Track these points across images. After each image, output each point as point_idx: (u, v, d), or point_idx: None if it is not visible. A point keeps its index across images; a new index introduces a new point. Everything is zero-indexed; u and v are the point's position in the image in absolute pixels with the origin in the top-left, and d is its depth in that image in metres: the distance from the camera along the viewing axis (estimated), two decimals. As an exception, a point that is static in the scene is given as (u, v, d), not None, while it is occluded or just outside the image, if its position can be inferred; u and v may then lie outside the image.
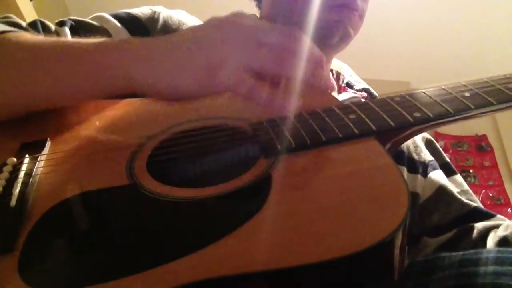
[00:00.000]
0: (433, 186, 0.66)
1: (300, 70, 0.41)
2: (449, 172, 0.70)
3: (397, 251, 0.34)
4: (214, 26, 0.44)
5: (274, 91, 0.41)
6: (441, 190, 0.65)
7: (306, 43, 0.43)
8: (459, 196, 0.64)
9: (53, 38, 0.50)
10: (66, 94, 0.47)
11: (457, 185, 0.68)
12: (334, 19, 0.65)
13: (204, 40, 0.42)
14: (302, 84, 0.42)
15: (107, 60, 0.44)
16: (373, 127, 0.43)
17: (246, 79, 0.41)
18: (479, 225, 0.59)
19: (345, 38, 0.67)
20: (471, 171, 2.40)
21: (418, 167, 0.68)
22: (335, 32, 0.66)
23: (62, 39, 0.51)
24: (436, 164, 0.70)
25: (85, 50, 0.45)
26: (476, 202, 0.65)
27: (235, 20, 0.43)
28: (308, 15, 0.65)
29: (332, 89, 0.46)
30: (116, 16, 0.65)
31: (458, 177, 0.70)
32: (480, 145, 2.49)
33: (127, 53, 0.43)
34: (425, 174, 0.68)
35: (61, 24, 0.61)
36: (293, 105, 0.42)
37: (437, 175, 0.67)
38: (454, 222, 0.62)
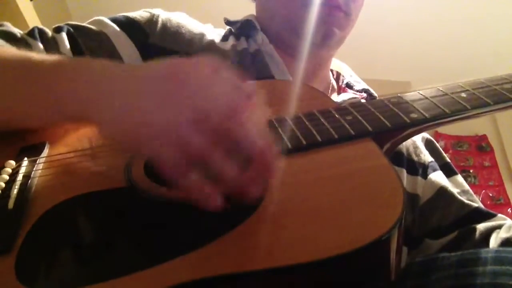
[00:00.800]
0: (434, 187, 0.66)
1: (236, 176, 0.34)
2: (449, 172, 0.70)
3: (393, 250, 0.34)
4: (167, 74, 0.37)
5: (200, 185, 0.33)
6: (442, 192, 0.65)
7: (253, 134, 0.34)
8: (459, 197, 0.64)
9: (21, 56, 0.47)
10: (19, 117, 0.46)
11: (457, 185, 0.68)
12: (317, 17, 0.64)
13: (153, 94, 0.35)
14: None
15: (60, 93, 0.41)
16: (369, 128, 0.43)
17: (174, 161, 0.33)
18: (480, 227, 0.59)
19: (329, 37, 0.66)
20: (471, 171, 2.40)
21: (418, 169, 0.68)
22: (315, 30, 0.65)
23: (31, 56, 0.47)
24: (436, 165, 0.69)
25: (44, 72, 0.43)
26: (476, 202, 0.65)
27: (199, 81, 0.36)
28: (289, 15, 0.66)
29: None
30: (114, 20, 0.65)
31: (459, 177, 0.69)
32: (480, 145, 2.49)
33: (77, 88, 0.40)
34: (425, 175, 0.67)
35: (58, 30, 0.61)
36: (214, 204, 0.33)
37: (437, 176, 0.67)
38: (455, 223, 0.62)
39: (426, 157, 0.70)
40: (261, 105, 0.37)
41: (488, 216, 0.61)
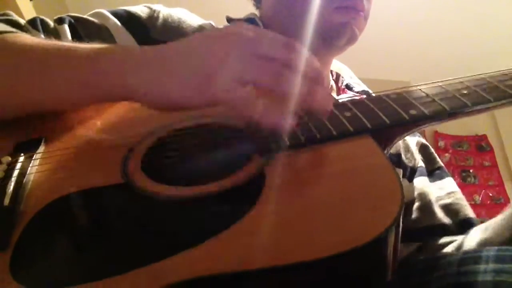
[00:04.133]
0: (414, 191, 0.66)
1: (297, 87, 0.39)
2: (441, 174, 0.70)
3: (390, 250, 0.34)
4: (212, 36, 0.42)
5: (268, 107, 0.39)
6: (420, 197, 0.66)
7: (306, 58, 0.41)
8: (435, 208, 0.65)
9: (51, 41, 0.49)
10: (61, 100, 0.47)
11: (445, 187, 0.68)
12: (341, 20, 0.64)
13: (200, 50, 0.41)
14: (298, 102, 0.39)
15: (104, 67, 0.43)
16: (368, 125, 0.43)
17: (241, 91, 0.39)
18: (441, 241, 0.60)
19: (352, 39, 0.67)
20: (471, 171, 2.40)
21: (405, 171, 0.68)
22: (342, 34, 0.65)
23: (60, 42, 0.49)
24: (424, 170, 0.70)
25: (82, 56, 0.44)
26: (461, 206, 0.65)
27: (234, 31, 0.42)
28: (313, 16, 0.64)
29: (327, 113, 0.42)
30: (115, 14, 0.64)
31: (447, 180, 0.70)
32: (480, 145, 2.49)
33: (125, 61, 0.43)
34: (411, 178, 0.68)
35: (60, 21, 0.61)
36: (287, 123, 0.39)
37: (421, 182, 0.68)
38: (422, 232, 0.63)
39: (417, 161, 0.70)
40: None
41: (452, 234, 0.62)
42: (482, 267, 0.40)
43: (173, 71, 0.40)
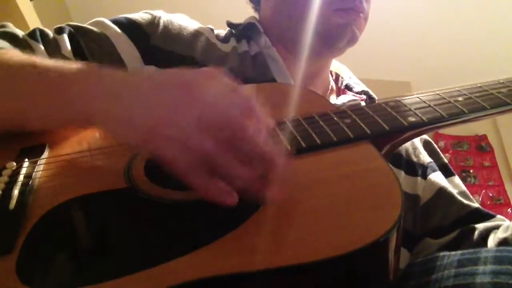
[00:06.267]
0: (433, 188, 0.66)
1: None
2: (447, 173, 0.70)
3: (391, 252, 0.34)
4: (173, 83, 0.39)
5: (210, 185, 0.35)
6: (441, 192, 0.66)
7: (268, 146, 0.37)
8: (459, 197, 0.65)
9: (31, 60, 0.48)
10: (31, 121, 0.46)
11: (454, 186, 0.68)
12: (341, 22, 0.65)
13: (156, 96, 0.38)
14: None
15: (70, 95, 0.42)
16: (368, 131, 0.44)
17: (181, 157, 0.35)
18: (479, 227, 0.60)
19: (353, 40, 0.68)
20: (471, 171, 2.40)
21: (417, 169, 0.68)
22: (343, 35, 0.66)
23: (40, 62, 0.47)
24: (435, 165, 0.70)
25: (53, 80, 0.44)
26: (474, 203, 0.65)
27: (198, 85, 0.38)
28: (313, 18, 0.65)
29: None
30: (115, 22, 0.65)
31: (456, 179, 0.70)
32: (480, 145, 2.50)
33: (89, 90, 0.41)
34: (424, 176, 0.68)
35: (59, 31, 0.61)
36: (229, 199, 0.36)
37: (437, 177, 0.68)
38: (455, 223, 0.63)
39: (425, 157, 0.70)
40: (262, 111, 0.38)
41: (487, 217, 0.62)
42: (480, 268, 0.41)
43: (127, 107, 0.38)
